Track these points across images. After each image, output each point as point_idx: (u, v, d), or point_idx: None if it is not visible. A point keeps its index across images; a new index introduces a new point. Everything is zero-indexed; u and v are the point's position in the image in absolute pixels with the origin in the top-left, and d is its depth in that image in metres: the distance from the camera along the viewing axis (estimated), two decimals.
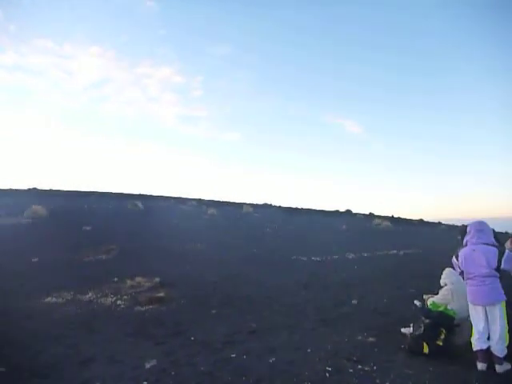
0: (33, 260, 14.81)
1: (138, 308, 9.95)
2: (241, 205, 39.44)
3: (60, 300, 10.65)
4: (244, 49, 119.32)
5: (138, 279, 11.96)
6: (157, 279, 12.05)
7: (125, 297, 10.81)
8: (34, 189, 40.25)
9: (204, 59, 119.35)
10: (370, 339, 7.12)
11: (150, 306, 10.01)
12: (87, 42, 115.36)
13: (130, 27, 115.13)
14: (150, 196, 42.23)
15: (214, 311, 9.56)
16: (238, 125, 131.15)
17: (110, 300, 10.59)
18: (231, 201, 43.71)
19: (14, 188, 39.55)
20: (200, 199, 41.93)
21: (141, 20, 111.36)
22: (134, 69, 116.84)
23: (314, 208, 44.69)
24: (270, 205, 43.23)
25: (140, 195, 41.21)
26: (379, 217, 38.58)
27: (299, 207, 44.38)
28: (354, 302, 10.04)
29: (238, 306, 9.93)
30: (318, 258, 16.93)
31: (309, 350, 6.61)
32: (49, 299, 10.69)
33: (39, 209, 24.19)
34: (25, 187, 40.57)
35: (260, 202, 44.09)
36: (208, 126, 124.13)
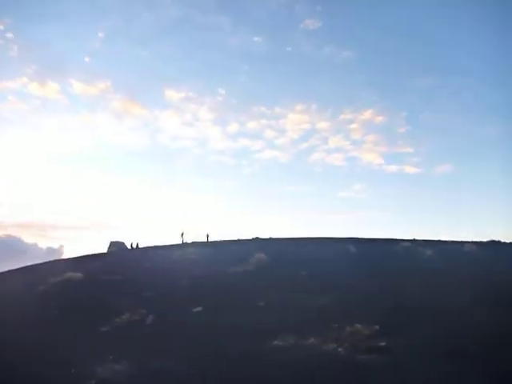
0: (259, 304, 16.18)
1: (359, 357, 9.72)
2: (461, 243, 35.41)
3: (285, 344, 11.26)
4: (447, 77, 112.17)
5: (357, 326, 11.76)
6: (376, 327, 11.63)
7: (345, 344, 10.73)
8: (257, 238, 44.78)
9: (406, 94, 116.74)
10: None
11: (371, 356, 9.67)
12: (293, 101, 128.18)
13: (329, 79, 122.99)
14: (362, 239, 41.88)
15: (445, 368, 8.56)
16: (451, 157, 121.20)
17: (330, 346, 10.67)
18: (449, 239, 39.78)
19: (240, 238, 44.90)
20: (414, 239, 39.41)
21: (339, 70, 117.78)
22: (337, 117, 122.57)
23: None
24: (499, 242, 37.53)
25: (351, 238, 41.31)
26: None
27: None
28: None
29: (472, 363, 8.68)
30: None
31: None
32: (275, 342, 11.41)
33: (261, 256, 26.63)
34: (249, 237, 45.65)
35: (485, 238, 38.75)
36: (416, 161, 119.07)
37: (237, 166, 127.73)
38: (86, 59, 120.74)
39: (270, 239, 44.11)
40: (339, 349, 10.44)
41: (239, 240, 43.61)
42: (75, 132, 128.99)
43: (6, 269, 32.48)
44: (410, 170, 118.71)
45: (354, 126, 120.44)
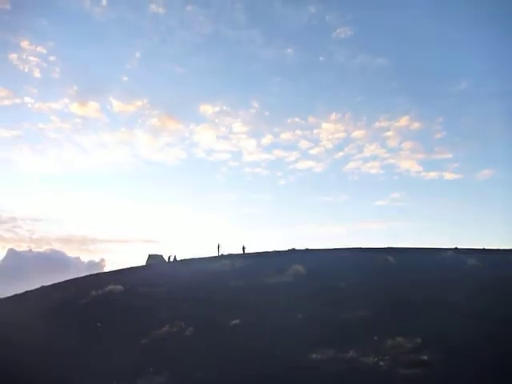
0: (297, 316, 16.01)
1: (401, 370, 9.42)
2: (508, 251, 33.81)
3: (324, 357, 11.08)
4: (484, 80, 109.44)
5: (398, 339, 11.42)
6: (418, 339, 11.27)
7: (386, 357, 10.45)
8: (293, 249, 44.55)
9: (441, 100, 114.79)
10: None
11: (414, 370, 9.36)
12: (327, 111, 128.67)
13: (363, 87, 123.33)
14: (401, 249, 40.81)
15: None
16: (491, 161, 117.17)
17: (371, 360, 10.41)
18: (494, 247, 38.12)
19: (276, 250, 44.78)
20: (456, 248, 38.05)
21: (373, 77, 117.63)
22: (372, 125, 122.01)
23: None
24: None
25: (390, 248, 40.40)
26: None
27: None
28: None
29: None
30: None
31: None
32: (314, 355, 11.25)
33: (299, 267, 26.43)
34: (285, 248, 45.48)
35: None
36: (456, 167, 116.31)
37: (272, 177, 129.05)
38: (124, 78, 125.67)
39: (307, 250, 43.78)
40: (380, 362, 10.17)
41: (275, 251, 43.51)
42: (114, 149, 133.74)
43: (51, 282, 33.80)
44: (449, 176, 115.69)
45: (389, 133, 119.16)
